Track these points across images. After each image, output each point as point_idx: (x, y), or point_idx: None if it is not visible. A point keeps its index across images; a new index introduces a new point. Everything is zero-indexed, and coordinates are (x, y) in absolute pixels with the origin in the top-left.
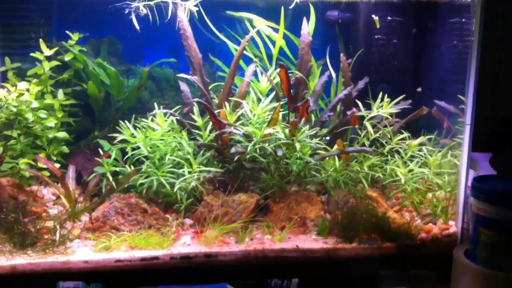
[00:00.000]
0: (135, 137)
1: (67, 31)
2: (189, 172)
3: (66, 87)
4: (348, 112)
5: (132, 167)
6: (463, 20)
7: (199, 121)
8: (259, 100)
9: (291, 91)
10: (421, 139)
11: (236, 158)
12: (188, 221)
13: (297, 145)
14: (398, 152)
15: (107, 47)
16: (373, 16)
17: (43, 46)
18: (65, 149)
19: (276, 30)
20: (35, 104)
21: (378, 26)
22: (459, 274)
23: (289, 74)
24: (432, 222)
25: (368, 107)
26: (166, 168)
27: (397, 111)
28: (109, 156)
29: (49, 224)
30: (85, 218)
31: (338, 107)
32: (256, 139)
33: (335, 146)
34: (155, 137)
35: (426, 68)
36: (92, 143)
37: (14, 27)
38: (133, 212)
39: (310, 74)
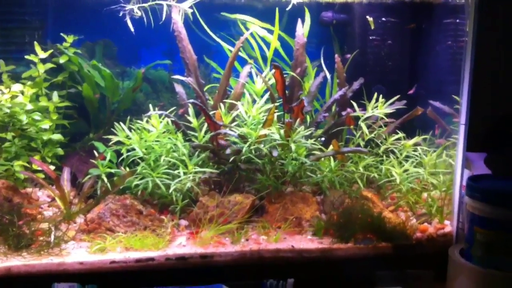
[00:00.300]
0: (130, 138)
1: (62, 34)
2: (185, 173)
3: (61, 90)
4: (343, 113)
5: (127, 169)
6: (458, 21)
7: (194, 122)
8: (254, 101)
9: (286, 92)
10: (416, 139)
11: (231, 159)
12: (184, 222)
13: (293, 146)
14: (393, 152)
15: (102, 49)
16: (367, 17)
17: (37, 48)
18: (60, 151)
19: (271, 32)
20: (29, 106)
21: (372, 27)
22: (455, 273)
23: (284, 75)
24: (428, 222)
25: (363, 107)
26: (161, 169)
27: (391, 111)
28: (104, 158)
29: (44, 226)
30: (80, 220)
31: (333, 108)
32: (251, 140)
33: (330, 147)
34: (150, 138)
35: (421, 68)
36: (87, 145)
37: (8, 30)
38: (128, 214)
39: (305, 75)
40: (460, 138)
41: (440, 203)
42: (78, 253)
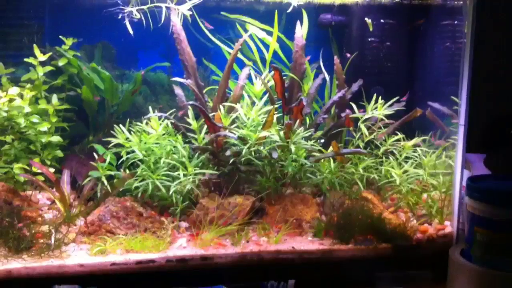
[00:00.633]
0: (130, 141)
1: (60, 36)
2: (184, 175)
3: (60, 92)
4: (343, 115)
5: (127, 171)
6: (456, 22)
7: (194, 124)
8: (253, 103)
9: (285, 94)
10: (415, 140)
11: (231, 161)
12: (184, 224)
13: (292, 147)
14: (392, 153)
15: (101, 52)
16: (366, 19)
17: (37, 51)
18: (59, 153)
19: (270, 34)
20: (28, 109)
21: (371, 29)
22: (455, 273)
23: (283, 77)
24: (428, 223)
25: (363, 109)
26: (161, 171)
27: (391, 112)
28: (104, 161)
29: (44, 228)
30: (80, 222)
31: (333, 110)
32: (251, 141)
33: (330, 148)
34: (150, 140)
35: (420, 70)
36: (86, 147)
37: (7, 33)
38: (128, 216)
39: (304, 77)
40: (460, 139)
41: (440, 204)
42: (79, 255)
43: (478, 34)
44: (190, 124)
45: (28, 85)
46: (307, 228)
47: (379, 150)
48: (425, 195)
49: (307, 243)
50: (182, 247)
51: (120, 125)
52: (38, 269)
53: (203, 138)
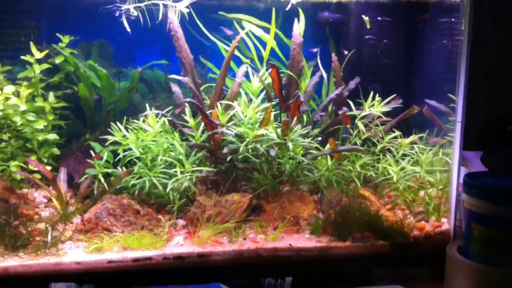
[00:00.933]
0: (127, 138)
1: (57, 34)
2: (182, 173)
3: (57, 90)
4: (340, 112)
5: (124, 169)
6: (453, 19)
7: (191, 122)
8: (250, 100)
9: (283, 91)
10: (412, 137)
11: (228, 158)
12: (181, 222)
13: (290, 145)
14: (390, 151)
15: (98, 50)
16: (363, 16)
17: (33, 49)
18: (56, 151)
19: (267, 31)
20: (23, 107)
21: (368, 26)
22: (453, 270)
23: (281, 74)
24: (425, 220)
25: (360, 107)
26: (158, 169)
27: (388, 109)
28: (101, 158)
29: (41, 226)
30: (77, 220)
31: (330, 107)
32: (249, 139)
33: (327, 146)
34: (147, 138)
35: (417, 67)
36: (83, 145)
37: (4, 31)
38: (125, 213)
39: (302, 74)
40: (457, 136)
41: (437, 201)
42: (75, 253)
43: (475, 31)
44: (187, 122)
45: (25, 83)
46: (305, 225)
47: (376, 148)
48: (422, 193)
49: (304, 241)
50: (179, 244)
51: (117, 123)
52: (35, 266)
53: (201, 136)
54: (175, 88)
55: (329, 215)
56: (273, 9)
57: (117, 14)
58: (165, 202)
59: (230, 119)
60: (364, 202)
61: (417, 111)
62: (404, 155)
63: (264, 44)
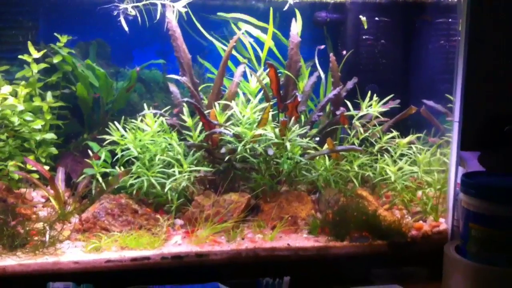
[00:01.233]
0: (125, 138)
1: (55, 34)
2: (180, 172)
3: (55, 90)
4: (338, 112)
5: (122, 168)
6: (450, 20)
7: (189, 122)
8: (248, 100)
9: (281, 91)
10: (410, 137)
11: (226, 158)
12: (179, 222)
13: (288, 145)
14: (387, 151)
15: (96, 49)
16: (360, 17)
17: (31, 48)
18: (53, 150)
19: (265, 32)
20: (21, 107)
21: (366, 26)
22: (451, 270)
23: (279, 74)
24: (423, 220)
25: (357, 107)
26: (156, 168)
27: (386, 109)
28: (99, 158)
29: (39, 225)
30: (75, 219)
31: (328, 107)
32: (247, 139)
33: (325, 146)
34: (145, 138)
35: (414, 67)
36: (81, 145)
37: (1, 30)
38: (123, 213)
39: (300, 74)
40: (454, 135)
41: (434, 201)
42: (73, 252)
43: (472, 31)
44: (185, 121)
45: (23, 83)
46: (303, 225)
47: (374, 148)
48: (419, 192)
49: (302, 240)
50: (177, 244)
51: (115, 123)
52: (33, 266)
53: (198, 136)
54: (173, 88)
55: (327, 215)
56: (271, 9)
57: (115, 14)
58: (163, 201)
59: (228, 119)
60: (362, 202)
61: (414, 111)
62: (402, 155)
63: (261, 44)
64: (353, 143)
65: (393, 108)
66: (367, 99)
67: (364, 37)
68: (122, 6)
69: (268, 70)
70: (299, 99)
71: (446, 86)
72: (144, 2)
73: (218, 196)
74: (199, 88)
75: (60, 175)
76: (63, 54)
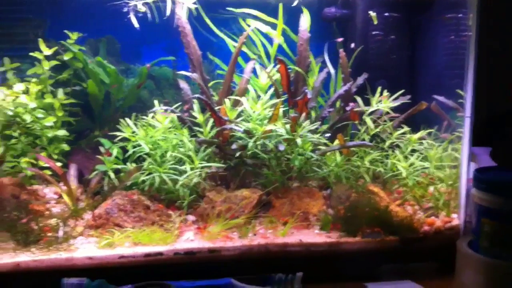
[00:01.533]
0: (136, 135)
1: (65, 31)
2: (191, 169)
3: (66, 87)
4: (348, 108)
5: (134, 165)
6: (460, 15)
7: (199, 118)
8: (258, 97)
9: (291, 87)
10: (421, 133)
11: (237, 154)
12: (191, 217)
13: (299, 140)
14: (398, 146)
15: (106, 46)
16: (370, 12)
17: (42, 45)
18: (65, 147)
19: (274, 27)
20: (33, 105)
21: (375, 22)
22: (463, 265)
23: (289, 70)
24: (435, 215)
25: (367, 103)
26: (167, 165)
27: (396, 105)
28: (110, 154)
29: (52, 222)
30: (87, 215)
31: (338, 103)
32: (257, 135)
33: (336, 141)
34: (156, 134)
35: (424, 63)
36: (92, 142)
37: (12, 28)
38: (135, 209)
39: (309, 70)
40: (466, 131)
41: (446, 196)
42: (87, 248)
43: (482, 26)
44: (195, 118)
45: (34, 80)
46: (314, 221)
47: (384, 143)
48: (431, 188)
49: (314, 236)
50: (190, 240)
51: (126, 119)
52: (46, 262)
53: (209, 132)
54: (183, 84)
55: (338, 211)
56: (280, 5)
57: (124, 10)
58: (175, 198)
59: (239, 115)
60: (374, 198)
61: (425, 107)
62: (413, 150)
63: (271, 40)
64: (363, 139)
65: (403, 104)
66: (377, 94)
67: (373, 32)
68: (131, 3)
69: (278, 66)
70: (309, 96)
71: (456, 81)
72: None
73: (229, 192)
74: (209, 85)
75: (72, 171)
76: (74, 51)
